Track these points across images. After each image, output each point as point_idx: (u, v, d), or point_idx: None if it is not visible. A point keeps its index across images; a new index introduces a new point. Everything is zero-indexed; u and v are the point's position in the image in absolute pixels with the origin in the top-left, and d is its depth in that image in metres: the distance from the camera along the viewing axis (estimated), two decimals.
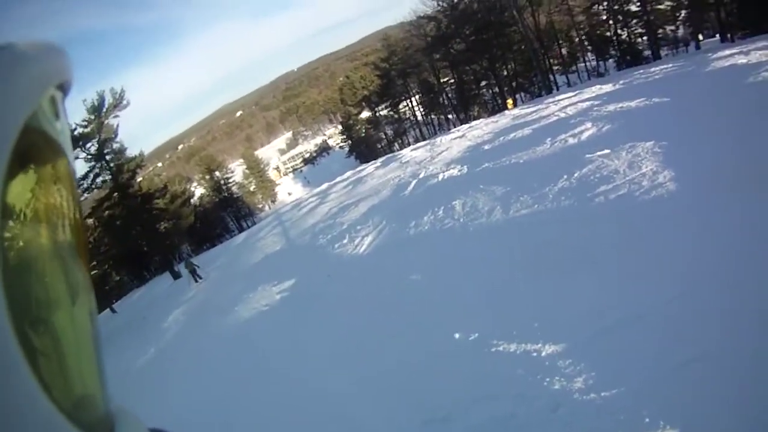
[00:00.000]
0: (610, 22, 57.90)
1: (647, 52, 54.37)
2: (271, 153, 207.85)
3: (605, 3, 56.32)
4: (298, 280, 15.72)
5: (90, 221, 47.79)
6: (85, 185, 43.12)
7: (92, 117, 42.36)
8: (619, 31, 57.12)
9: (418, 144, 48.56)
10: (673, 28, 57.14)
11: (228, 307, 17.03)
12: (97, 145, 42.98)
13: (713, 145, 10.07)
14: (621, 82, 27.73)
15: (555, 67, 65.53)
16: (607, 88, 26.34)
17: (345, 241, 17.26)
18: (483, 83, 68.87)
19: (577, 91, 31.96)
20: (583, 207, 10.17)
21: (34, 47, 0.43)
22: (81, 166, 42.97)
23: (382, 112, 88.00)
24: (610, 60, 61.22)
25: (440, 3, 62.64)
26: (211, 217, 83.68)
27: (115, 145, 44.66)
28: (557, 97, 33.80)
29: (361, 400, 7.00)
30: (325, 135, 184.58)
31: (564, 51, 67.28)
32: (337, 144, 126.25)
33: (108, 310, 41.74)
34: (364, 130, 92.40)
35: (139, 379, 15.24)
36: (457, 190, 15.57)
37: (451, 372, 6.58)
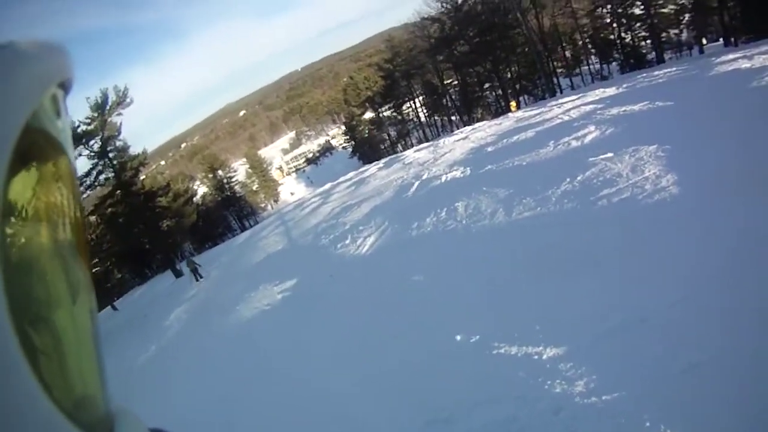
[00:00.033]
0: (614, 25, 57.93)
1: (651, 56, 54.40)
2: (274, 153, 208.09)
3: (609, 6, 56.34)
4: (300, 280, 15.74)
5: (92, 219, 47.86)
6: (88, 183, 43.23)
7: (95, 114, 42.48)
8: (622, 35, 57.15)
9: (422, 145, 48.54)
10: (676, 31, 57.06)
11: (230, 306, 17.07)
12: (100, 143, 43.06)
13: (716, 148, 10.06)
14: (624, 85, 27.67)
15: (558, 70, 65.46)
16: (611, 91, 26.30)
17: (347, 241, 17.27)
18: (486, 85, 68.99)
19: (580, 94, 31.94)
20: (586, 210, 10.16)
21: (35, 46, 0.43)
22: (84, 164, 43.08)
23: (385, 113, 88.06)
24: (614, 63, 61.25)
25: (444, 5, 62.75)
26: (213, 216, 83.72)
27: (118, 143, 44.78)
28: (561, 100, 33.78)
29: (363, 401, 7.01)
30: (328, 135, 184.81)
31: (567, 54, 67.20)
32: (341, 144, 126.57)
33: (109, 307, 41.80)
34: (367, 131, 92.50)
35: (140, 377, 15.24)
36: (459, 191, 15.57)
37: (453, 373, 6.58)
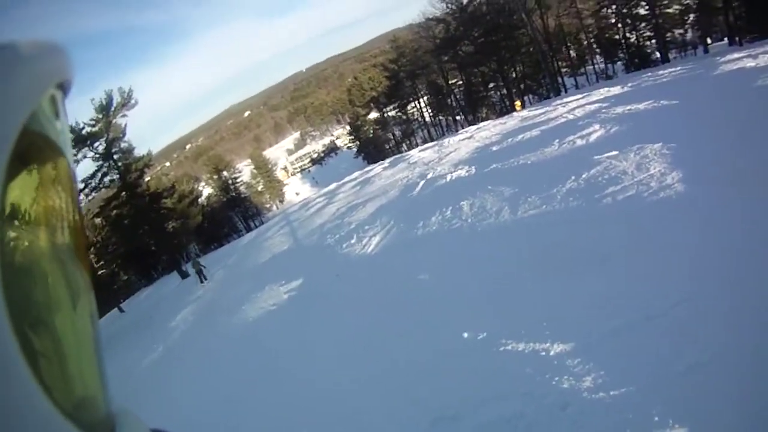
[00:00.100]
0: (619, 25, 57.85)
1: (656, 55, 54.30)
2: (279, 153, 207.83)
3: (614, 6, 56.25)
4: (306, 280, 15.77)
5: (98, 220, 48.10)
6: (93, 184, 43.29)
7: (100, 116, 42.56)
8: (627, 34, 57.04)
9: (426, 145, 48.51)
10: (681, 31, 56.86)
11: (235, 306, 17.13)
12: (104, 145, 43.14)
13: (721, 147, 10.05)
14: (629, 84, 27.68)
15: (563, 70, 65.39)
16: (616, 90, 26.31)
17: (353, 240, 17.29)
18: (491, 85, 68.92)
19: (585, 94, 31.90)
20: (591, 208, 10.17)
21: (35, 46, 0.42)
22: (89, 165, 43.18)
23: (390, 113, 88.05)
24: (619, 63, 61.05)
25: (449, 5, 62.72)
26: (218, 217, 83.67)
27: (123, 145, 44.82)
28: (565, 99, 33.76)
29: (369, 400, 7.02)
30: (333, 135, 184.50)
31: (572, 53, 67.13)
32: (345, 144, 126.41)
33: (116, 309, 41.88)
34: (372, 131, 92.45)
35: (146, 378, 15.33)
36: (465, 190, 15.59)
37: (460, 371, 6.60)
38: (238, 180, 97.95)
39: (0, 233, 0.37)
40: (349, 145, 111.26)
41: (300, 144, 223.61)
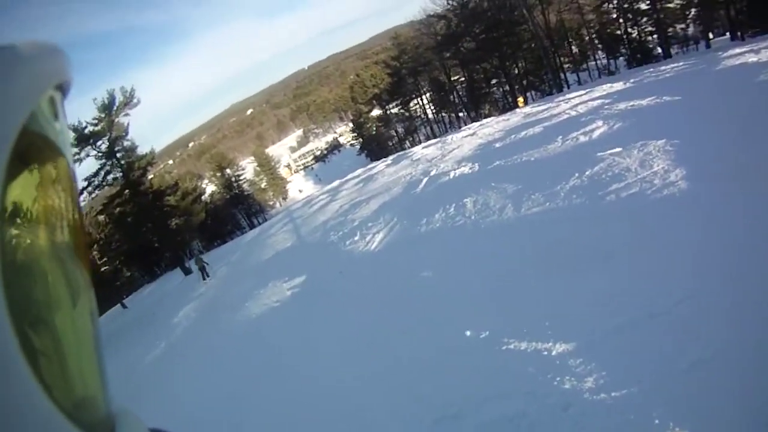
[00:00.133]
0: (621, 20, 57.77)
1: (657, 51, 54.25)
2: (282, 150, 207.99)
3: (615, 1, 56.25)
4: (309, 277, 15.78)
5: (101, 218, 48.19)
6: (96, 182, 43.62)
7: (103, 115, 42.96)
8: (629, 30, 57.01)
9: (429, 142, 48.62)
10: (683, 26, 56.81)
11: (238, 303, 17.18)
12: (107, 143, 43.54)
13: (724, 143, 10.02)
14: (632, 80, 27.68)
15: (565, 66, 65.28)
16: (618, 86, 26.29)
17: (356, 238, 17.32)
18: (493, 81, 68.90)
19: (587, 90, 31.95)
20: (594, 205, 10.15)
21: (33, 47, 0.42)
22: (92, 164, 43.39)
23: (392, 110, 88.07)
24: (621, 58, 61.07)
25: (450, 2, 62.87)
26: (222, 214, 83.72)
27: (126, 143, 45.17)
28: (568, 96, 33.74)
29: (372, 398, 7.03)
30: (336, 133, 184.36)
31: (574, 49, 67.10)
32: (348, 142, 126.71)
33: (119, 305, 41.99)
34: (374, 128, 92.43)
35: (149, 374, 15.34)
36: (468, 187, 15.58)
37: (463, 369, 6.59)
38: (241, 177, 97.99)
39: (0, 233, 0.37)
40: (352, 142, 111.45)
41: (303, 141, 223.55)
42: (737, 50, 22.66)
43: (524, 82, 64.76)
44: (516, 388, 5.74)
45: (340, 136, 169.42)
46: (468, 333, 7.44)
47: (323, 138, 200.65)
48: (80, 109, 43.76)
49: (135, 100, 44.08)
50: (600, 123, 16.18)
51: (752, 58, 18.22)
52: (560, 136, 16.74)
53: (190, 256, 51.15)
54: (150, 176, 50.55)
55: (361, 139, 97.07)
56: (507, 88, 66.14)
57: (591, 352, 5.79)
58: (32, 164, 0.43)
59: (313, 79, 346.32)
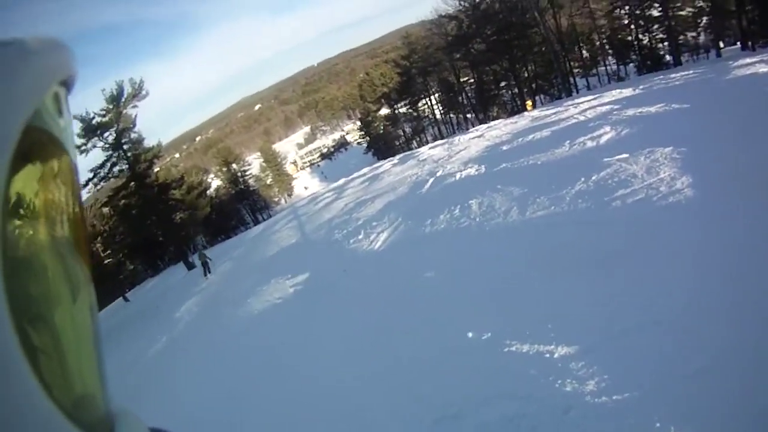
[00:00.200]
0: (632, 26, 57.65)
1: (668, 58, 54.14)
2: (289, 147, 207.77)
3: (627, 7, 56.11)
4: (313, 274, 15.80)
5: (106, 210, 48.27)
6: (102, 174, 43.71)
7: (111, 106, 43.05)
8: (640, 36, 56.85)
9: (437, 142, 48.61)
10: (694, 34, 56.73)
11: (241, 299, 17.21)
12: (114, 135, 43.62)
13: (733, 152, 9.98)
14: (641, 86, 27.57)
15: (575, 70, 65.22)
16: (627, 92, 26.22)
17: (360, 236, 17.33)
18: (503, 84, 68.81)
19: (596, 95, 31.86)
20: (600, 210, 10.14)
21: (38, 43, 0.42)
22: (98, 155, 43.56)
23: (401, 110, 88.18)
24: (631, 64, 60.91)
25: (462, 3, 62.68)
26: (227, 209, 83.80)
27: (133, 135, 45.25)
28: (577, 100, 33.75)
29: (372, 398, 7.05)
30: (343, 131, 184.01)
31: (585, 54, 66.99)
32: (355, 140, 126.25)
33: (121, 298, 42.11)
34: (382, 127, 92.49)
35: (149, 369, 15.39)
36: (474, 189, 15.56)
37: (464, 370, 6.60)
38: (247, 173, 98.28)
39: (3, 229, 0.36)
40: (359, 140, 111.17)
41: (310, 138, 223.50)
42: (748, 60, 22.58)
43: (533, 85, 64.75)
44: (517, 390, 5.76)
45: (347, 134, 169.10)
46: (470, 334, 7.45)
47: (330, 135, 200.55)
48: (88, 100, 43.91)
49: (143, 92, 44.23)
50: (608, 129, 16.14)
51: (763, 69, 18.17)
52: (568, 141, 16.71)
53: (193, 251, 51.15)
54: (156, 169, 50.56)
55: (368, 138, 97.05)
56: (516, 90, 66.05)
57: (593, 356, 5.80)
58: (36, 161, 0.43)
59: (322, 76, 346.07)
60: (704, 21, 54.90)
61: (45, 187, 0.44)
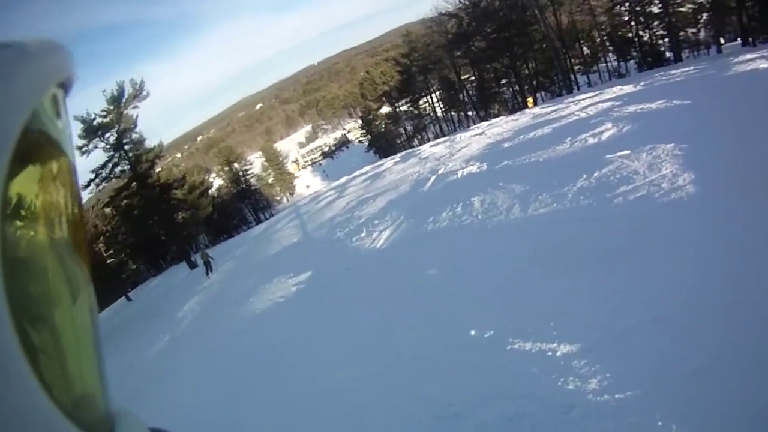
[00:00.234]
0: (632, 23, 57.59)
1: (668, 54, 54.08)
2: (291, 146, 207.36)
3: (627, 4, 56.07)
4: (315, 273, 15.82)
5: (108, 210, 48.32)
6: (104, 174, 43.79)
7: (112, 107, 43.09)
8: (640, 33, 56.79)
9: (438, 140, 48.65)
10: (694, 30, 56.63)
11: (243, 298, 17.23)
12: (116, 135, 43.64)
13: (734, 148, 9.97)
14: (642, 83, 27.60)
15: (576, 67, 65.14)
16: (628, 89, 26.23)
17: (362, 234, 17.34)
18: (503, 81, 68.77)
19: (597, 92, 31.87)
20: (602, 207, 10.14)
21: (36, 45, 0.42)
22: (100, 156, 43.51)
23: (402, 108, 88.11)
24: (631, 61, 60.88)
25: (462, 0, 62.64)
26: (228, 209, 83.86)
27: (134, 135, 45.20)
28: (578, 97, 33.72)
29: (373, 398, 7.09)
30: (344, 129, 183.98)
31: (585, 51, 66.93)
32: (357, 138, 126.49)
33: (124, 298, 42.17)
34: (383, 125, 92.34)
35: (151, 369, 15.43)
36: (475, 187, 15.57)
37: (466, 368, 6.60)
38: (248, 172, 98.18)
39: (2, 230, 0.36)
40: (361, 139, 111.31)
41: (311, 137, 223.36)
42: (748, 56, 22.55)
43: (534, 82, 64.67)
44: (518, 389, 5.76)
45: (348, 132, 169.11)
46: (473, 332, 7.45)
47: (332, 134, 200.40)
48: (89, 101, 43.95)
49: (144, 93, 44.24)
50: (609, 125, 16.14)
51: (763, 65, 18.17)
52: (569, 138, 16.71)
53: (196, 250, 51.19)
54: (158, 169, 50.65)
55: (369, 136, 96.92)
56: (517, 88, 66.06)
57: (595, 354, 5.79)
58: (34, 163, 0.43)
59: (322, 75, 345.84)
60: (704, 17, 54.75)
61: (44, 188, 0.44)
